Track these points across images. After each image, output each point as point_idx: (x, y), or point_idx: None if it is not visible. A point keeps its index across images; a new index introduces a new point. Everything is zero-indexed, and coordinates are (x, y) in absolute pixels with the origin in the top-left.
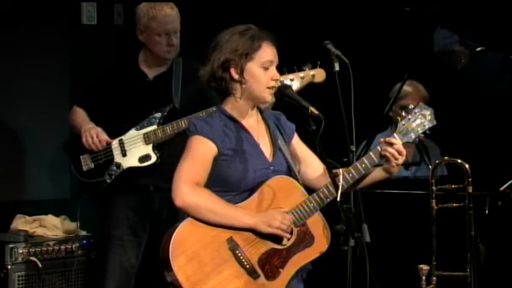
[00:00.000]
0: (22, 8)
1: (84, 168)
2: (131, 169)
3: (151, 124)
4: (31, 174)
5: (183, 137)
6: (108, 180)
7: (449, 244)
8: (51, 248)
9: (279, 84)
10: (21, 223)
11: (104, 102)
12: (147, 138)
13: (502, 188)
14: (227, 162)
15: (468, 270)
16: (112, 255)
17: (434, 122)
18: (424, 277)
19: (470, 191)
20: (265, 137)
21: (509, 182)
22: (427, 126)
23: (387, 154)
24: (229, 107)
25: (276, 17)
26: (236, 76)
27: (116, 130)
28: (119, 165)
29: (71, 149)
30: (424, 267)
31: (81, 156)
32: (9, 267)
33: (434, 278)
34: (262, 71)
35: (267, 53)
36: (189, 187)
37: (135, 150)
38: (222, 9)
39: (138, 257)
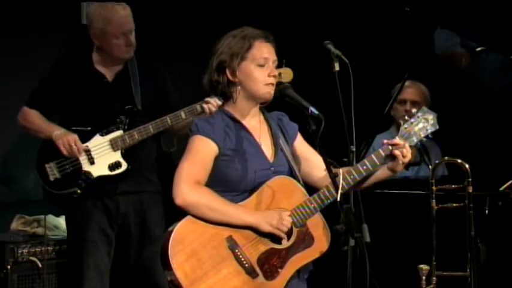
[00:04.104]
0: (22, 8)
1: (51, 177)
2: (101, 177)
3: (117, 129)
4: (31, 174)
5: (146, 139)
6: (79, 191)
7: (450, 244)
8: (51, 248)
9: (277, 79)
10: (21, 223)
11: (59, 105)
12: (114, 145)
13: (502, 188)
14: (228, 162)
15: (468, 270)
16: (87, 258)
17: (437, 127)
18: (424, 277)
19: (470, 191)
20: (267, 137)
21: (509, 182)
22: (429, 131)
23: (397, 152)
24: (231, 107)
25: (275, 17)
26: (231, 78)
27: (78, 135)
28: (88, 175)
29: (38, 156)
30: (424, 267)
31: (46, 165)
32: (9, 267)
33: (434, 278)
34: (257, 69)
35: (261, 50)
36: (189, 186)
37: (103, 157)
38: (223, 10)
39: (110, 255)
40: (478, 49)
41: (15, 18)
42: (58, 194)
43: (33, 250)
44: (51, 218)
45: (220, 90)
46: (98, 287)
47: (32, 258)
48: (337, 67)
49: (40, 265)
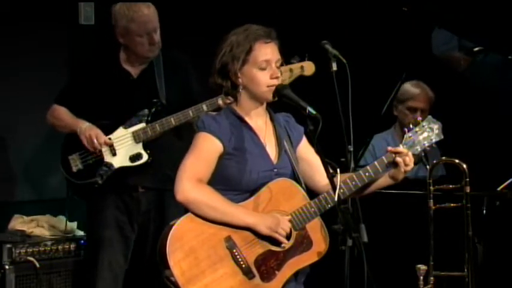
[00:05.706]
0: (21, 8)
1: (74, 169)
2: (121, 169)
3: (140, 122)
4: (29, 174)
5: (170, 136)
6: (100, 181)
7: (447, 244)
8: (48, 248)
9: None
10: (19, 223)
11: (86, 101)
12: (136, 137)
13: (499, 188)
14: (231, 161)
15: (466, 270)
16: (102, 256)
17: (442, 137)
18: (421, 277)
19: (468, 191)
20: (272, 138)
21: (507, 181)
22: (433, 140)
23: (399, 160)
24: (238, 106)
25: (274, 16)
26: (234, 81)
27: (102, 129)
28: (109, 166)
29: (62, 150)
30: (422, 267)
31: (69, 157)
32: (6, 267)
33: (432, 278)
34: (259, 73)
35: (262, 52)
36: (191, 183)
37: (125, 149)
38: (224, 9)
39: (127, 257)
40: (476, 49)
41: (15, 18)
42: (80, 184)
43: (31, 250)
44: (48, 218)
45: (224, 92)
46: (111, 285)
47: (29, 258)
48: (334, 67)
49: (38, 265)
